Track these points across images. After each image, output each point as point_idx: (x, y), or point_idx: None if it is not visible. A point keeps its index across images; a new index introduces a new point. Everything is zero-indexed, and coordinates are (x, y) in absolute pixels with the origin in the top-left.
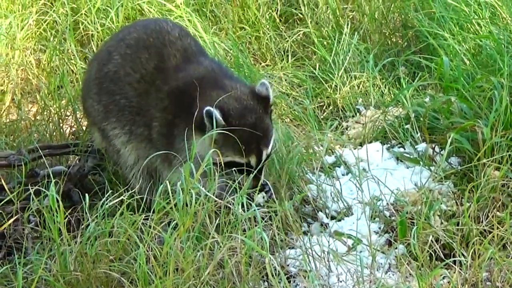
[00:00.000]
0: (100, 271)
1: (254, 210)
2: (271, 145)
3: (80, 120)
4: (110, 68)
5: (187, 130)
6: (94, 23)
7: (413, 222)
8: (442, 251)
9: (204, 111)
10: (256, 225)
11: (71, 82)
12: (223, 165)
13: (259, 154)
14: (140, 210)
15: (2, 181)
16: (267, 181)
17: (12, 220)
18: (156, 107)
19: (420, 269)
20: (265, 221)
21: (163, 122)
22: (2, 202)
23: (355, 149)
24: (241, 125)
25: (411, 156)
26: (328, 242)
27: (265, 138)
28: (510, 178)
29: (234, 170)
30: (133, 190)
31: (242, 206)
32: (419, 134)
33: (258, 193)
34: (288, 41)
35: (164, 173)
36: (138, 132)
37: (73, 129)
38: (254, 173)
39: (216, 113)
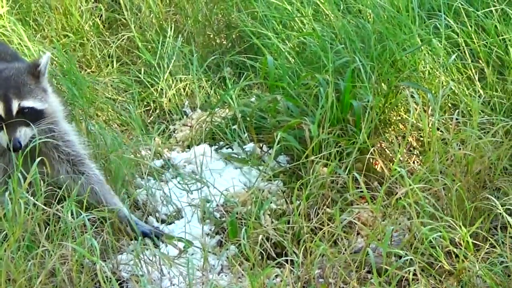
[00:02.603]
0: None
1: (83, 217)
2: (28, 100)
3: None
4: None
5: None
6: None
7: (244, 222)
8: (274, 250)
9: None
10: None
11: None
12: None
13: (6, 101)
14: None
15: None
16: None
17: None
18: None
19: (252, 269)
20: (96, 227)
21: None
22: None
23: (183, 151)
24: None
25: (240, 157)
26: (159, 246)
27: (15, 88)
28: (339, 174)
29: None
30: None
31: (72, 213)
32: (246, 134)
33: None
34: (112, 46)
35: None
36: None
37: None
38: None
39: None
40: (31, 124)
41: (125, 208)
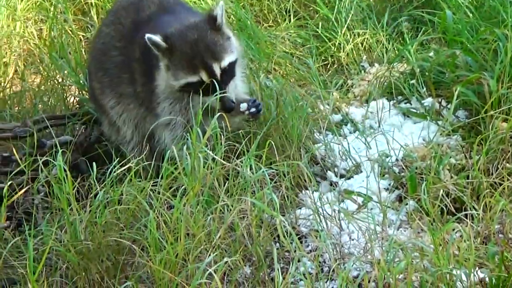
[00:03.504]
0: (110, 239)
1: (263, 171)
2: (224, 58)
3: (82, 90)
4: (100, 40)
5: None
6: None
7: (423, 177)
8: (453, 205)
9: (146, 38)
10: (266, 186)
11: (75, 52)
12: (184, 90)
13: (208, 68)
14: (148, 176)
15: (14, 151)
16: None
17: (22, 191)
18: (134, 59)
19: (432, 224)
20: (274, 182)
21: (141, 72)
22: (13, 173)
23: (361, 106)
24: (182, 43)
25: (418, 111)
26: (338, 200)
27: (210, 52)
28: None
29: (198, 93)
30: (138, 159)
31: (251, 168)
32: (425, 89)
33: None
34: (289, 1)
35: (151, 123)
36: (125, 92)
37: (77, 98)
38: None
39: (156, 37)
40: (232, 76)
41: None
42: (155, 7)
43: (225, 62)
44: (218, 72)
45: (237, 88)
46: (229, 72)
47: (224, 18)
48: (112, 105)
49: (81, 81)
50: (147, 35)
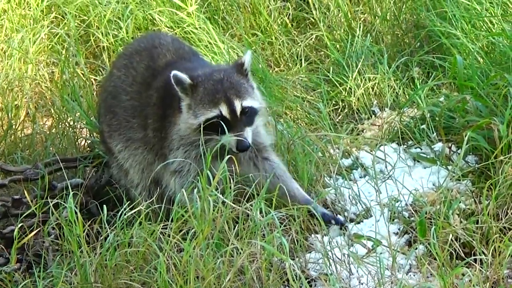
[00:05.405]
0: (120, 281)
1: (273, 215)
2: (247, 99)
3: (94, 132)
4: (111, 84)
5: (174, 118)
6: (106, 35)
7: (432, 222)
8: (463, 250)
9: (171, 75)
10: (275, 230)
11: (86, 95)
12: (202, 130)
13: (229, 102)
14: (159, 219)
15: (26, 194)
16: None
17: (33, 233)
18: (148, 104)
19: (441, 269)
20: (284, 226)
21: (156, 118)
22: (23, 216)
23: (371, 151)
24: (206, 80)
25: (428, 156)
26: (348, 244)
27: (234, 89)
28: None
29: (215, 132)
30: (148, 202)
31: (260, 211)
32: (435, 133)
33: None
34: (300, 45)
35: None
36: (134, 137)
37: (88, 141)
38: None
39: (181, 74)
40: (251, 124)
41: (305, 194)
42: (171, 55)
43: (247, 103)
44: (238, 109)
45: (260, 136)
46: (249, 117)
47: (250, 68)
48: (120, 149)
49: (92, 124)
50: (173, 72)
